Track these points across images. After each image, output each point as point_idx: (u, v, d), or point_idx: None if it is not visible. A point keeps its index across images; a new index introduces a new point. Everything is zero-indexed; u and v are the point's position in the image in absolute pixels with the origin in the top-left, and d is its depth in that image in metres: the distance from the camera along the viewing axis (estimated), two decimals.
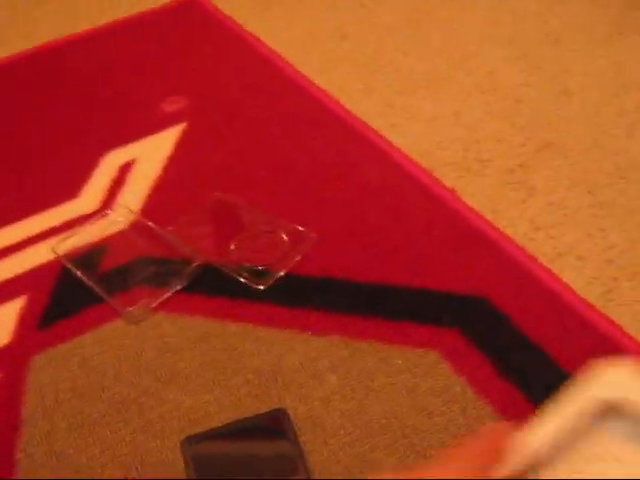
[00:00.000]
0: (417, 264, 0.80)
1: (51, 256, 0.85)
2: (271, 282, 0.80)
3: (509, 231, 0.83)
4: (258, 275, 0.80)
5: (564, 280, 0.78)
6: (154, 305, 0.78)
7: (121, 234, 0.87)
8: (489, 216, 0.85)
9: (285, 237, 0.84)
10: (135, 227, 0.87)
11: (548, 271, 0.78)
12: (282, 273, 0.80)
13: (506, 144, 0.96)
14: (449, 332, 0.73)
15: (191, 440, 0.66)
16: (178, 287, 0.80)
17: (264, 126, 1.02)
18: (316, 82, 1.08)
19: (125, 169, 0.96)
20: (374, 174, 0.92)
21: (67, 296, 0.81)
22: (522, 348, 0.71)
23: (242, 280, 0.80)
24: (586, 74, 1.07)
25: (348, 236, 0.84)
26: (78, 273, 0.82)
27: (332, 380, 0.70)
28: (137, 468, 0.66)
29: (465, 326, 0.73)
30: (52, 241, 0.87)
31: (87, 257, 0.84)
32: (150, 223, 0.87)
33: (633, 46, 1.11)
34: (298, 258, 0.82)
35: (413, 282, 0.78)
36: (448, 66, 1.11)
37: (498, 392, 0.68)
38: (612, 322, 0.73)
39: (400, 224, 0.85)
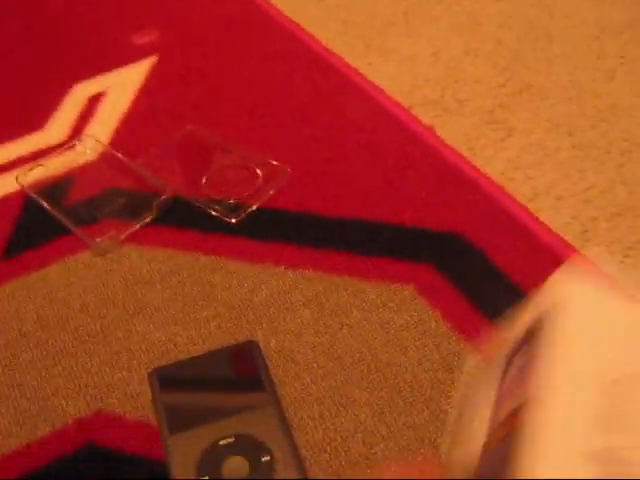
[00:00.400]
0: (393, 200, 0.79)
1: (16, 187, 0.83)
2: (243, 216, 0.77)
3: (487, 170, 0.82)
4: (230, 209, 0.78)
5: (542, 219, 0.76)
6: (123, 237, 0.76)
7: (89, 165, 0.84)
8: (467, 154, 0.84)
9: (259, 171, 0.81)
10: (103, 159, 0.84)
11: (525, 210, 0.77)
12: (254, 207, 0.78)
13: (485, 84, 0.94)
14: (424, 268, 0.72)
15: (159, 372, 0.64)
16: (147, 219, 0.78)
17: (239, 61, 0.99)
18: (291, 18, 1.06)
19: (94, 101, 0.93)
20: (351, 111, 0.90)
21: (32, 227, 0.79)
22: (498, 285, 0.70)
23: (214, 213, 0.78)
24: (567, 17, 1.05)
25: (324, 172, 0.82)
26: (44, 204, 0.79)
27: (305, 314, 0.69)
28: (102, 399, 0.64)
29: (441, 262, 0.72)
30: (17, 172, 0.84)
31: (53, 188, 0.82)
32: (119, 155, 0.84)
33: None
34: (272, 192, 0.80)
35: (389, 218, 0.77)
36: (427, 6, 1.08)
37: (473, 327, 0.67)
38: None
39: (377, 161, 0.83)
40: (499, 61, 0.98)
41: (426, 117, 0.89)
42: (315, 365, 0.65)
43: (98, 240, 0.75)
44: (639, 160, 0.83)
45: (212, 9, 1.09)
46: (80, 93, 0.95)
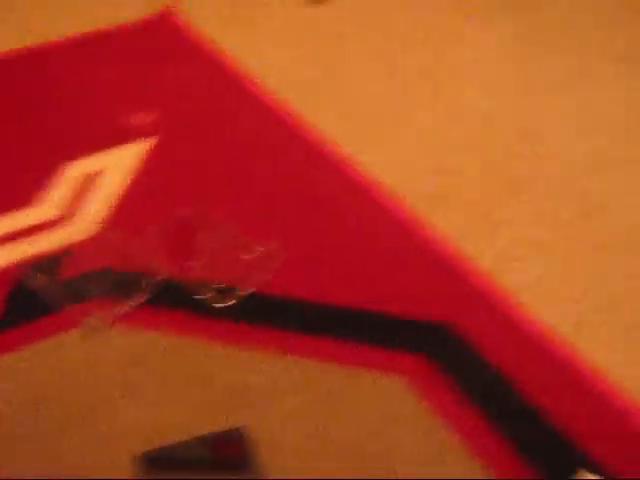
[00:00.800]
0: (384, 290, 0.79)
1: (6, 264, 0.83)
2: (233, 302, 0.78)
3: (476, 262, 0.83)
4: (221, 293, 0.78)
5: (530, 311, 0.77)
6: (113, 316, 0.76)
7: (83, 243, 0.84)
8: (456, 247, 0.85)
9: (251, 256, 0.82)
10: (98, 237, 0.85)
11: (515, 301, 0.78)
12: (247, 292, 0.79)
13: (475, 178, 0.96)
14: (416, 358, 0.72)
15: (144, 457, 0.63)
16: (139, 300, 0.78)
17: (235, 148, 1.01)
18: (290, 104, 1.08)
19: (91, 178, 0.94)
20: (343, 200, 0.91)
21: (20, 305, 0.78)
22: (488, 376, 0.70)
23: (203, 299, 0.78)
24: (556, 115, 1.08)
25: (316, 260, 0.83)
26: (36, 280, 0.79)
27: (295, 400, 0.68)
28: None
29: (432, 353, 0.72)
30: (9, 248, 0.84)
31: (46, 264, 0.82)
32: (114, 234, 0.85)
33: (599, 87, 1.13)
34: (263, 277, 0.80)
35: (380, 307, 0.77)
36: (420, 100, 1.11)
37: (463, 419, 0.66)
38: (576, 353, 0.73)
39: (368, 250, 0.84)
40: (488, 156, 1.00)
41: (417, 208, 0.90)
42: (303, 451, 0.64)
43: (88, 319, 0.75)
44: (623, 253, 0.84)
45: (207, 95, 1.11)
46: (77, 170, 0.96)
